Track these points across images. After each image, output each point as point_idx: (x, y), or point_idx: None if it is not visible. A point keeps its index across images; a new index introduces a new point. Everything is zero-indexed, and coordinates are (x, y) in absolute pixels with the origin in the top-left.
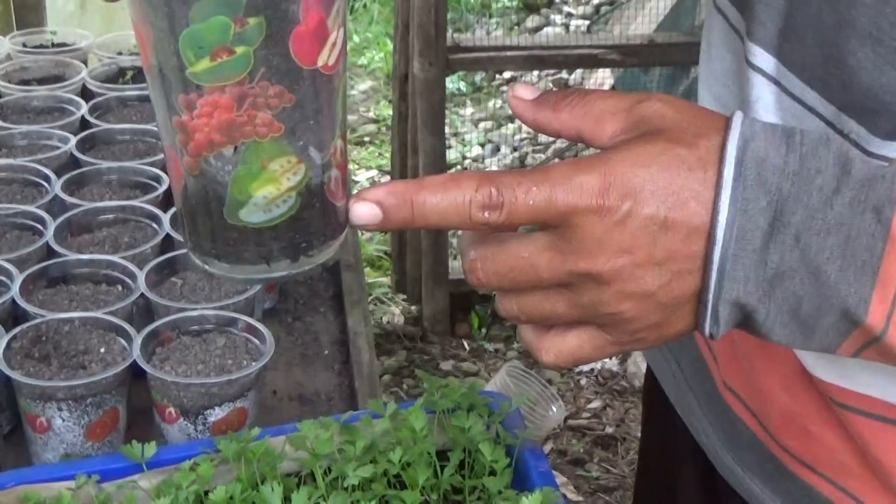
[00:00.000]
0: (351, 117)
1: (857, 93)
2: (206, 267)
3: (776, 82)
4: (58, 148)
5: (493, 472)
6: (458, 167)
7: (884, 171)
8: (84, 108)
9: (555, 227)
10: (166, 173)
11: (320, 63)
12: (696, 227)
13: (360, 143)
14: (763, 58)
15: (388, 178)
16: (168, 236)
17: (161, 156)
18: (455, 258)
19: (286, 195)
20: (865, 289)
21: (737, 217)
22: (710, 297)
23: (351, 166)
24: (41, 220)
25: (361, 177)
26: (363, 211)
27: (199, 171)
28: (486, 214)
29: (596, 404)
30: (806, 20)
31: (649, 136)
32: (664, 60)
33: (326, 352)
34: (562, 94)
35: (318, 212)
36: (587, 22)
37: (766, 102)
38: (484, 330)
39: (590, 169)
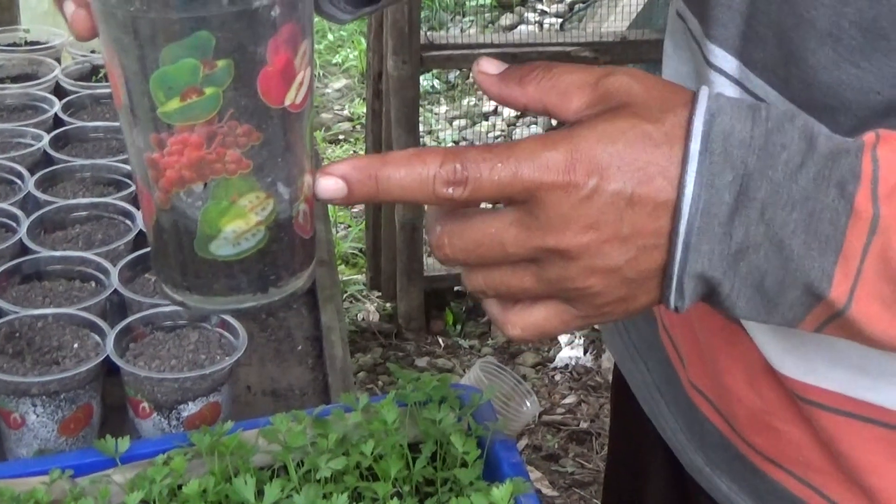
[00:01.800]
0: (325, 115)
1: (817, 91)
2: (178, 298)
3: (737, 82)
4: (31, 145)
5: (464, 464)
6: None
7: (848, 146)
8: (57, 106)
9: (521, 203)
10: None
11: (287, 102)
12: (662, 202)
13: (335, 142)
14: (724, 59)
15: None
16: (141, 233)
17: None
18: (430, 255)
19: (255, 229)
20: (828, 263)
21: (702, 192)
22: (675, 270)
23: (325, 164)
24: (14, 218)
25: None
26: (328, 185)
27: (170, 206)
28: (451, 190)
29: (570, 400)
30: (766, 20)
31: (616, 111)
32: (637, 58)
33: (300, 347)
34: (527, 67)
35: (286, 245)
36: (560, 20)
37: None
38: (459, 326)
39: (555, 145)
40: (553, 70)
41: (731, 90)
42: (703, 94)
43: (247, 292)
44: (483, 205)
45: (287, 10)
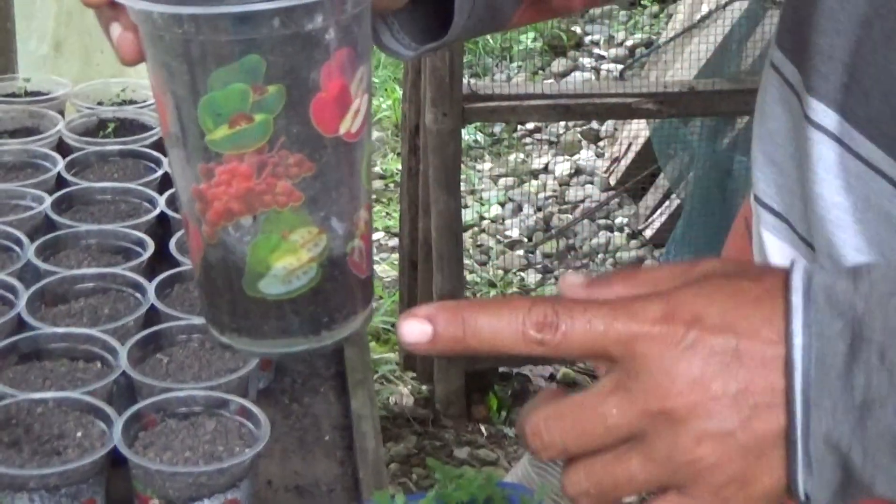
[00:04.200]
0: None
1: None
2: (225, 340)
3: (838, 140)
4: (31, 208)
5: None
6: (475, 229)
7: None
8: (60, 164)
9: (617, 362)
10: (150, 236)
11: (342, 131)
12: (771, 356)
13: None
14: (824, 114)
15: (396, 240)
16: (153, 307)
17: (145, 218)
18: None
19: (307, 267)
20: None
21: (813, 341)
22: (799, 433)
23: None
24: (12, 289)
25: None
26: (412, 328)
27: (218, 241)
28: (541, 335)
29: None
30: (871, 72)
31: (709, 276)
32: (706, 110)
33: (327, 437)
34: (613, 272)
35: (340, 284)
36: (620, 66)
37: (827, 162)
38: (503, 413)
39: (651, 299)
40: (640, 270)
41: (831, 149)
42: (799, 260)
43: (298, 335)
44: None
45: (342, 34)
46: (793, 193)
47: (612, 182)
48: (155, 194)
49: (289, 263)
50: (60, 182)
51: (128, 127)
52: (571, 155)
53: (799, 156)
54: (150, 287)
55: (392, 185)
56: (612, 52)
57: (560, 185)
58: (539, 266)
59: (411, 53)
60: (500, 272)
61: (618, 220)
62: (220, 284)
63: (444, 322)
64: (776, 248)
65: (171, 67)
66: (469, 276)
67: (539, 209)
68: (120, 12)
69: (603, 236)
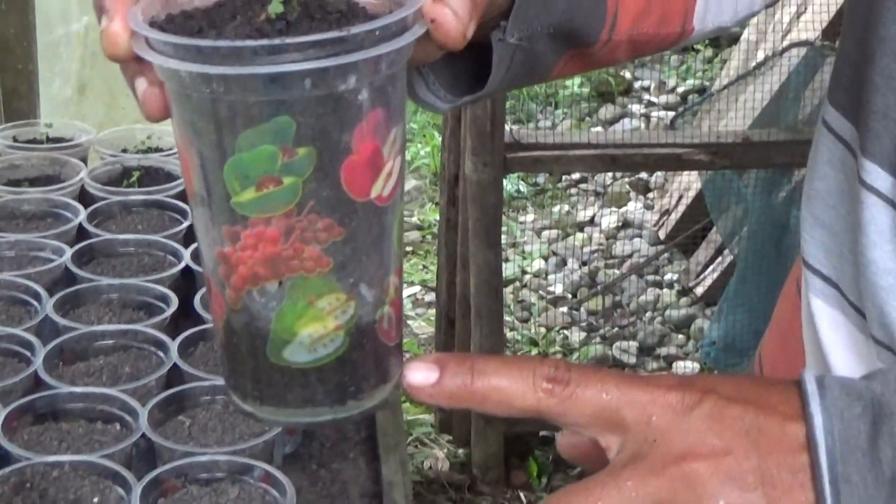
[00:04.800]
0: None
1: None
2: (247, 408)
3: (893, 204)
4: (51, 260)
5: None
6: (517, 284)
7: None
8: (82, 215)
9: (629, 431)
10: (174, 291)
11: (374, 195)
12: (790, 432)
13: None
14: (878, 176)
15: (432, 295)
16: (175, 367)
17: (170, 272)
18: None
19: (333, 334)
20: None
21: (834, 422)
22: None
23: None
24: (29, 346)
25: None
26: (417, 371)
27: (242, 306)
28: (552, 386)
29: None
30: None
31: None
32: (761, 162)
33: None
34: None
35: (368, 353)
36: (671, 113)
37: (880, 226)
38: (544, 479)
39: (663, 375)
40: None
41: (885, 213)
42: (809, 369)
43: (323, 404)
44: None
45: (376, 95)
46: (843, 258)
47: (662, 236)
48: (180, 247)
49: (315, 331)
50: (82, 233)
51: (153, 176)
52: (619, 207)
53: (851, 219)
54: (173, 345)
55: (429, 237)
56: (663, 98)
57: (607, 239)
58: (584, 324)
59: (447, 106)
60: (543, 330)
61: (667, 277)
62: (243, 350)
63: (452, 367)
64: (825, 315)
65: (197, 126)
66: (509, 334)
67: (584, 264)
68: (146, 66)
69: (651, 293)
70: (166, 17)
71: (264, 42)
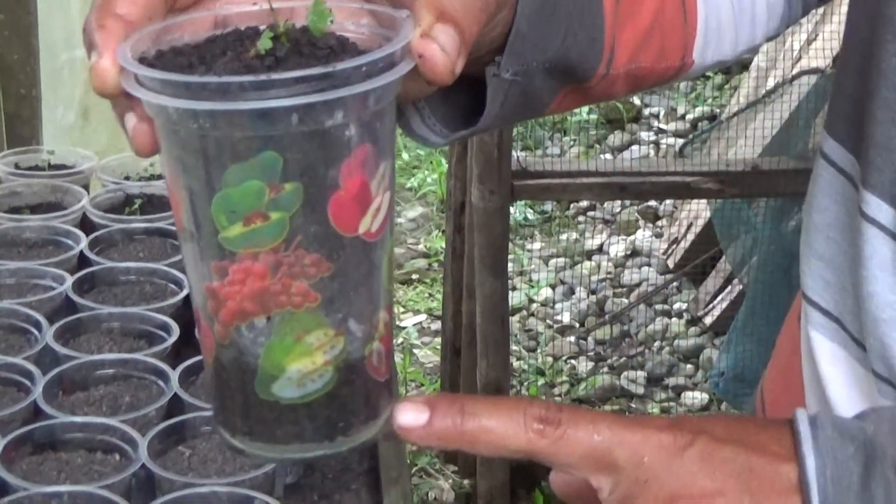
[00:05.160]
0: (397, 250)
1: None
2: (236, 444)
3: (894, 236)
4: (51, 288)
5: None
6: (523, 313)
7: None
8: (83, 242)
9: (621, 471)
10: (175, 320)
11: (362, 230)
12: (783, 472)
13: (407, 282)
14: (879, 208)
15: (438, 323)
16: (176, 396)
17: (171, 300)
18: None
19: (322, 370)
20: None
21: (827, 462)
22: None
23: (396, 309)
24: (28, 375)
25: (408, 322)
26: (407, 411)
27: (230, 341)
28: (543, 427)
29: None
30: None
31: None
32: (771, 190)
33: None
34: None
35: (357, 388)
36: (680, 140)
37: (882, 258)
38: None
39: (654, 417)
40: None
41: (886, 245)
42: (801, 410)
43: (312, 440)
44: None
45: (364, 130)
46: (844, 291)
47: (671, 265)
48: (181, 275)
49: (304, 366)
50: (83, 261)
51: (155, 203)
52: (628, 235)
53: (852, 251)
54: (174, 374)
55: (436, 265)
56: (673, 125)
57: (615, 267)
58: (591, 353)
59: (442, 141)
60: (550, 359)
61: (676, 306)
62: (231, 386)
63: (442, 408)
64: (825, 349)
65: (185, 162)
66: (516, 363)
67: (592, 292)
68: (135, 102)
69: (660, 322)
70: (156, 53)
71: (251, 78)
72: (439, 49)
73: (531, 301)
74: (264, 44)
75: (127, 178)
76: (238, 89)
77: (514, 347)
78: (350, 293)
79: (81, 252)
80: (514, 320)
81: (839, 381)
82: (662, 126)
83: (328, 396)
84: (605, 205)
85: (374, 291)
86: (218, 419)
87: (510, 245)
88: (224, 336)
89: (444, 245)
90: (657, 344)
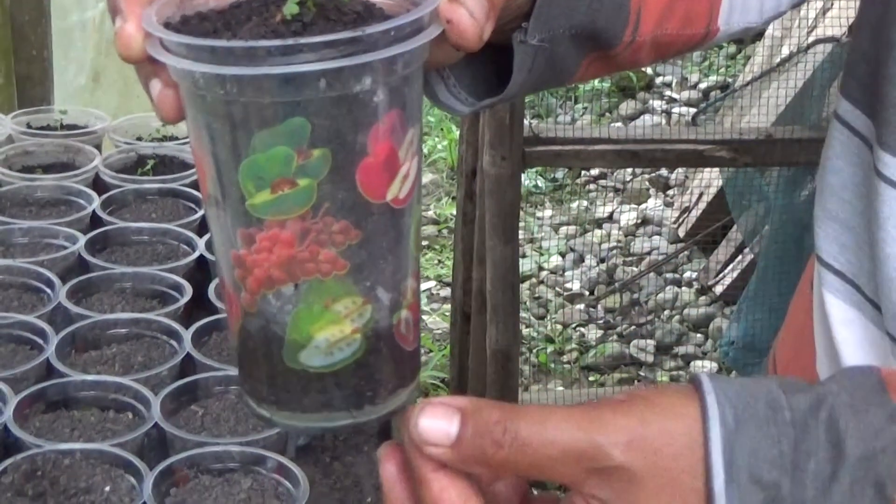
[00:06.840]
0: None
1: None
2: (263, 413)
3: None
4: (64, 248)
5: None
6: (533, 280)
7: (883, 446)
8: (96, 202)
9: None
10: (188, 280)
11: (390, 197)
12: None
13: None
14: None
15: (448, 290)
16: (189, 356)
17: (184, 261)
18: (526, 389)
19: (350, 338)
20: None
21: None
22: None
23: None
24: (41, 333)
25: None
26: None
27: (257, 309)
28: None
29: None
30: None
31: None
32: (784, 159)
33: (369, 499)
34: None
35: (385, 357)
36: (692, 110)
37: None
38: None
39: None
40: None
41: None
42: (712, 408)
43: (340, 409)
44: None
45: (392, 96)
46: (860, 252)
47: (682, 234)
48: (194, 236)
49: (331, 335)
50: (95, 221)
51: (167, 164)
52: (638, 204)
53: (868, 213)
54: (187, 334)
55: (446, 232)
56: (685, 94)
57: (625, 236)
58: (601, 321)
59: (467, 109)
60: (559, 327)
61: (686, 275)
62: (258, 354)
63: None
64: (839, 311)
65: (212, 128)
66: (525, 331)
67: (602, 260)
68: (160, 68)
69: (670, 291)
70: (181, 18)
71: (277, 42)
72: (467, 14)
73: (541, 269)
74: (290, 9)
75: (139, 139)
76: (265, 54)
77: (523, 315)
78: (378, 261)
79: (94, 212)
80: (524, 288)
81: (853, 344)
82: (674, 95)
83: (356, 365)
84: (616, 173)
85: (402, 259)
86: (244, 388)
87: (521, 212)
88: (251, 304)
89: (453, 212)
90: (666, 312)
